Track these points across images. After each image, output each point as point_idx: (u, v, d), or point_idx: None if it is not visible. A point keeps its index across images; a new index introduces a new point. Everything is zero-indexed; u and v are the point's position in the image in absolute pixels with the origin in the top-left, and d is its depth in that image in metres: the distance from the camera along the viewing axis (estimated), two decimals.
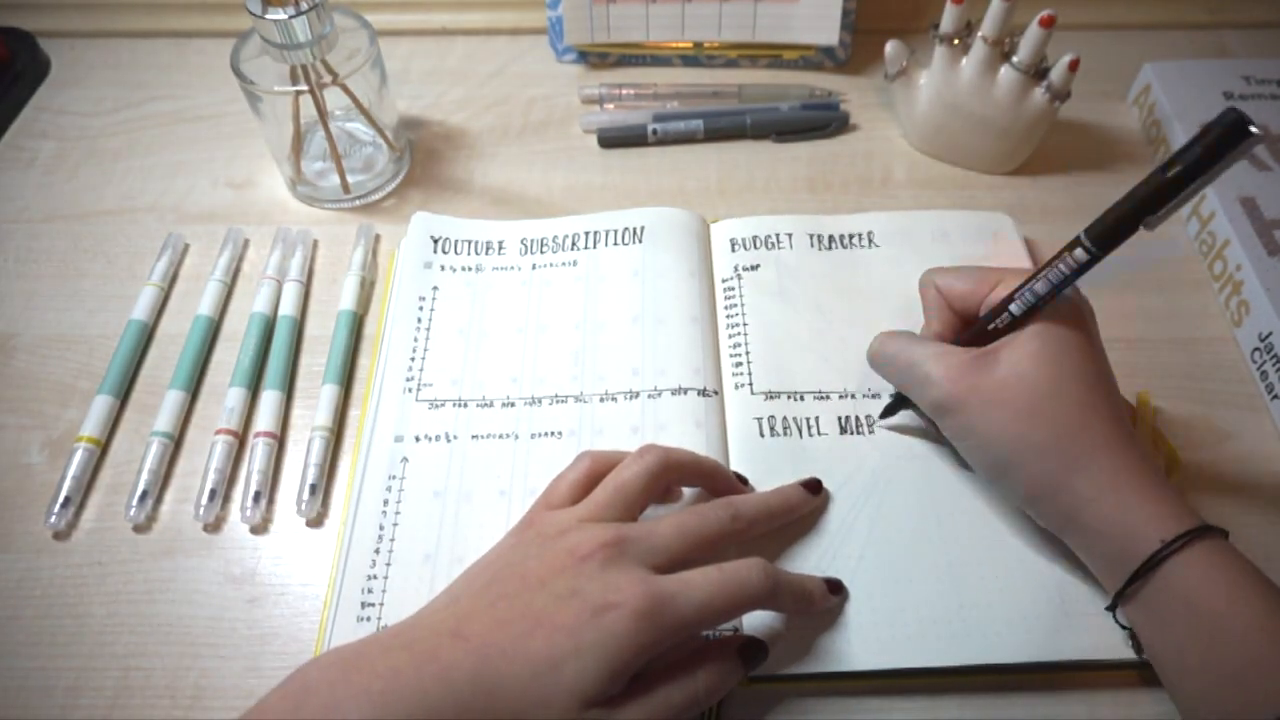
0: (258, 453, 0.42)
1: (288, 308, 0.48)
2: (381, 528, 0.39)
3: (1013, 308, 0.35)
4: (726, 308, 0.46)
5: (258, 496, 0.41)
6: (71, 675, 0.36)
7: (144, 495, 0.41)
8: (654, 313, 0.46)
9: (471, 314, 0.47)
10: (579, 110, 0.60)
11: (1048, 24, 0.48)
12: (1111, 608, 0.34)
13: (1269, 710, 0.28)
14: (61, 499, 0.40)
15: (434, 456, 0.41)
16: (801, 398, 0.43)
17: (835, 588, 0.36)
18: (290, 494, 0.42)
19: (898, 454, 0.41)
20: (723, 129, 0.57)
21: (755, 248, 0.49)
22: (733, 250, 0.49)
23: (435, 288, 0.47)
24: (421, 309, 0.47)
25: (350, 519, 0.39)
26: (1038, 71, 0.50)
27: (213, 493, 0.41)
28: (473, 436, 0.42)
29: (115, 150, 0.57)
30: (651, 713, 0.30)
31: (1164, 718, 0.34)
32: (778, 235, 0.49)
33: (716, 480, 0.38)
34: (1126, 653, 0.35)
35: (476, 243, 0.50)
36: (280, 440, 0.43)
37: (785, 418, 0.42)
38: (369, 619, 0.37)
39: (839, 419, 0.42)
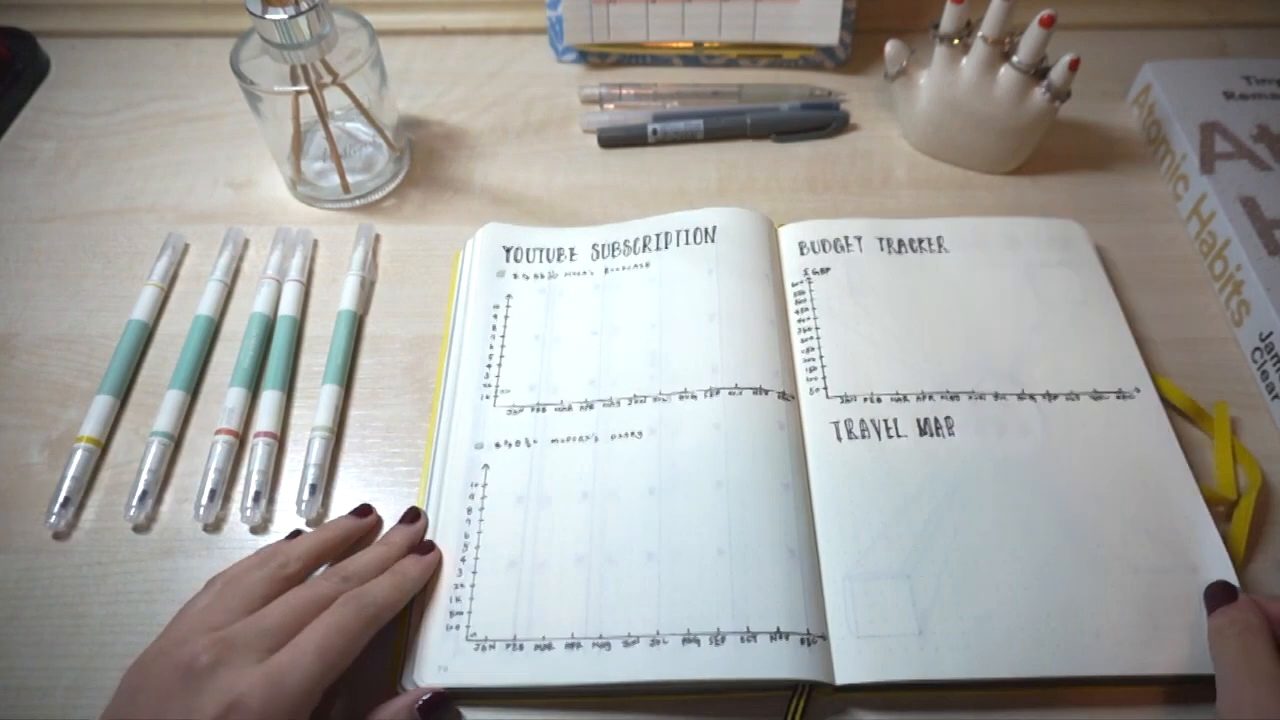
0: (258, 453, 0.42)
1: (288, 308, 0.48)
2: (466, 535, 0.39)
3: None
4: (798, 311, 0.46)
5: (258, 496, 0.41)
6: (71, 675, 0.36)
7: (144, 495, 0.41)
8: (731, 312, 0.45)
9: (546, 320, 0.46)
10: (579, 110, 0.60)
11: (1048, 24, 0.48)
12: None
13: None
14: (61, 499, 0.40)
15: (515, 462, 0.41)
16: (879, 399, 0.42)
17: (426, 548, 0.38)
18: (290, 494, 0.42)
19: (980, 457, 0.40)
20: (723, 129, 0.57)
21: (824, 251, 0.48)
22: (801, 254, 0.48)
23: (509, 295, 0.47)
24: (496, 317, 0.46)
25: (433, 527, 0.39)
26: (1038, 71, 0.50)
27: (213, 493, 0.41)
28: (552, 440, 0.42)
29: (115, 150, 0.57)
30: None
31: None
32: (846, 238, 0.49)
33: (347, 543, 0.39)
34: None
35: (548, 250, 0.49)
36: (280, 440, 0.43)
37: (863, 420, 0.42)
38: (457, 626, 0.36)
39: (918, 421, 0.42)
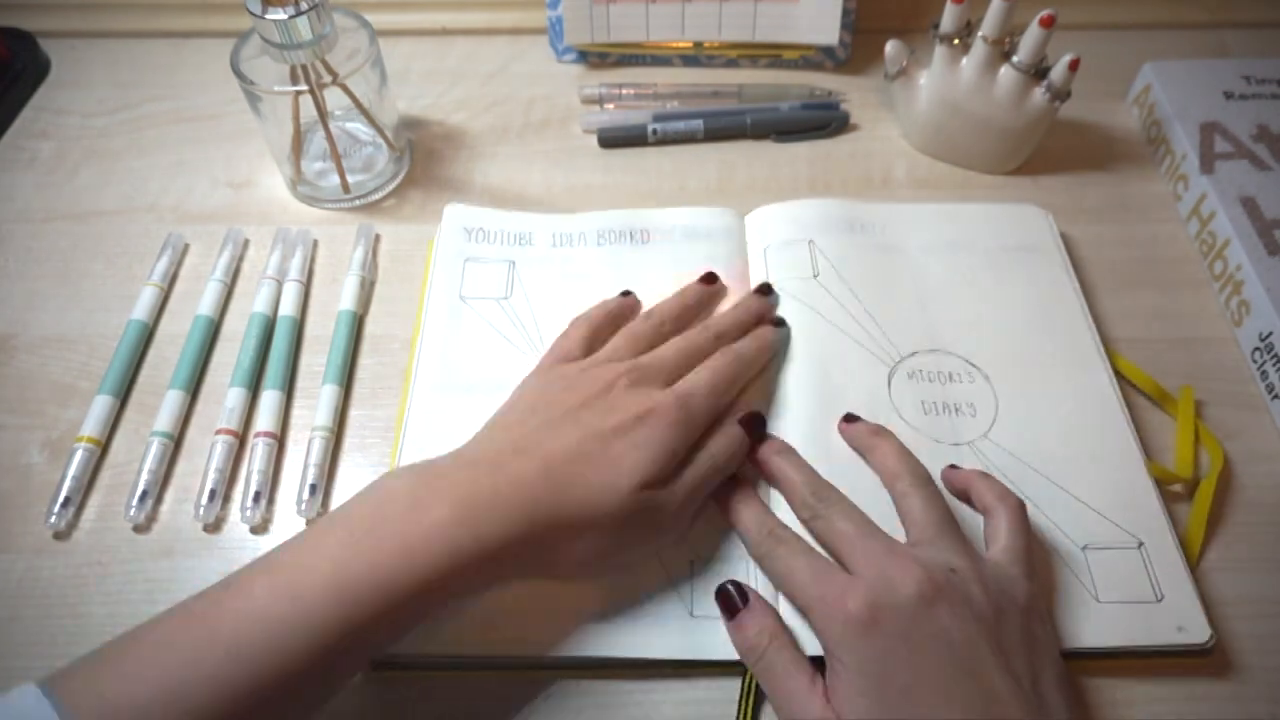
0: (258, 453, 0.42)
1: (288, 308, 0.48)
2: None
3: None
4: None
5: (258, 496, 0.41)
6: None
7: (144, 495, 0.41)
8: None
9: (507, 306, 0.47)
10: (579, 110, 0.60)
11: (1048, 24, 0.48)
12: None
13: None
14: (61, 499, 0.40)
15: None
16: (833, 383, 0.43)
17: (778, 322, 0.44)
18: (290, 494, 0.42)
19: (926, 436, 0.41)
20: (723, 129, 0.57)
21: (786, 233, 0.49)
22: (763, 237, 0.49)
23: (470, 280, 0.48)
24: (463, 301, 0.47)
25: None
26: (1038, 71, 0.50)
27: (213, 493, 0.41)
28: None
29: (115, 150, 0.57)
30: (686, 486, 0.36)
31: None
32: (809, 220, 0.49)
33: (700, 309, 0.45)
34: None
35: (507, 233, 0.50)
36: (280, 440, 0.43)
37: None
38: None
39: (869, 396, 0.42)
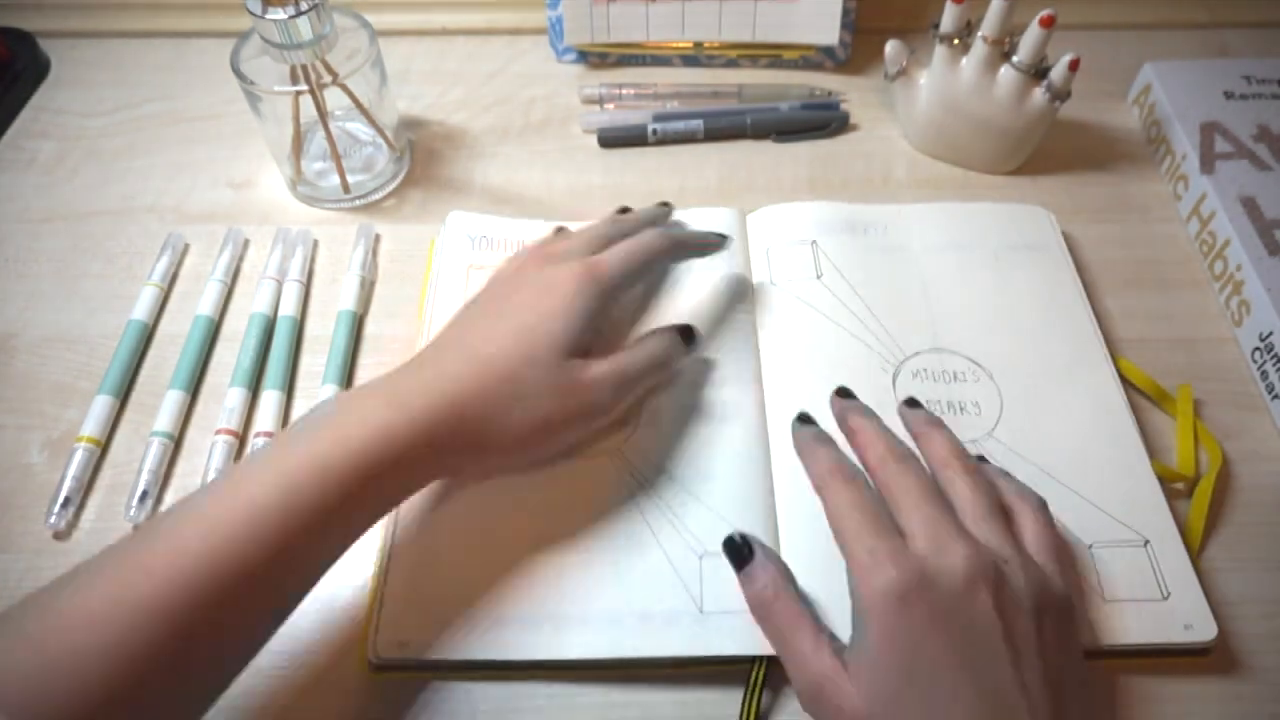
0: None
1: (288, 308, 0.48)
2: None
3: None
4: (763, 295, 0.47)
5: None
6: None
7: (144, 495, 0.41)
8: (700, 307, 0.46)
9: None
10: (579, 110, 0.60)
11: (1048, 24, 0.48)
12: None
13: None
14: (61, 499, 0.40)
15: None
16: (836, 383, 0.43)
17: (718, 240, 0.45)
18: None
19: None
20: (723, 129, 0.57)
21: (789, 234, 0.49)
22: (766, 238, 0.49)
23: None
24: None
25: (397, 520, 0.39)
26: (1038, 71, 0.50)
27: None
28: None
29: (115, 150, 0.57)
30: (614, 367, 0.37)
31: None
32: (812, 221, 0.49)
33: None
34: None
35: (510, 241, 0.50)
36: None
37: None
38: (421, 601, 0.37)
39: (876, 401, 0.42)
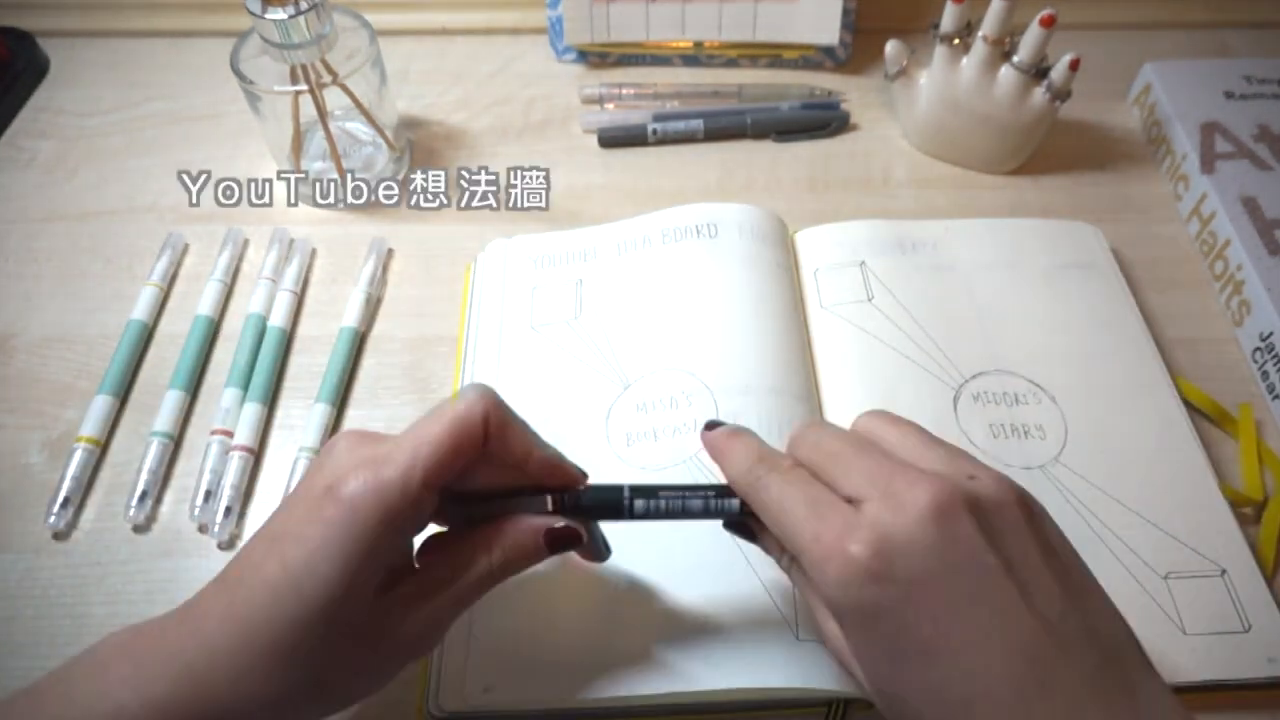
0: (232, 465, 0.41)
1: (278, 318, 0.47)
2: None
3: None
4: (814, 318, 0.46)
5: (229, 511, 0.40)
6: None
7: (144, 495, 0.41)
8: (756, 311, 0.44)
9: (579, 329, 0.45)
10: (579, 110, 0.60)
11: (1048, 24, 0.48)
12: None
13: None
14: (61, 499, 0.40)
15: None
16: (897, 407, 0.40)
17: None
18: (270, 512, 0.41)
19: (998, 462, 0.39)
20: (723, 129, 0.57)
21: (837, 255, 0.48)
22: (814, 259, 0.48)
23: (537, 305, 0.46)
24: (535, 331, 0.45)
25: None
26: (1038, 71, 0.50)
27: (208, 494, 0.40)
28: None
29: (115, 150, 0.57)
30: (438, 588, 0.28)
31: None
32: (859, 242, 0.48)
33: None
34: None
35: (570, 253, 0.48)
36: (258, 455, 0.43)
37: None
38: (493, 647, 0.35)
39: (936, 427, 0.39)
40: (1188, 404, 0.43)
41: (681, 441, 0.40)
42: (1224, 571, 0.36)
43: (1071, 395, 0.42)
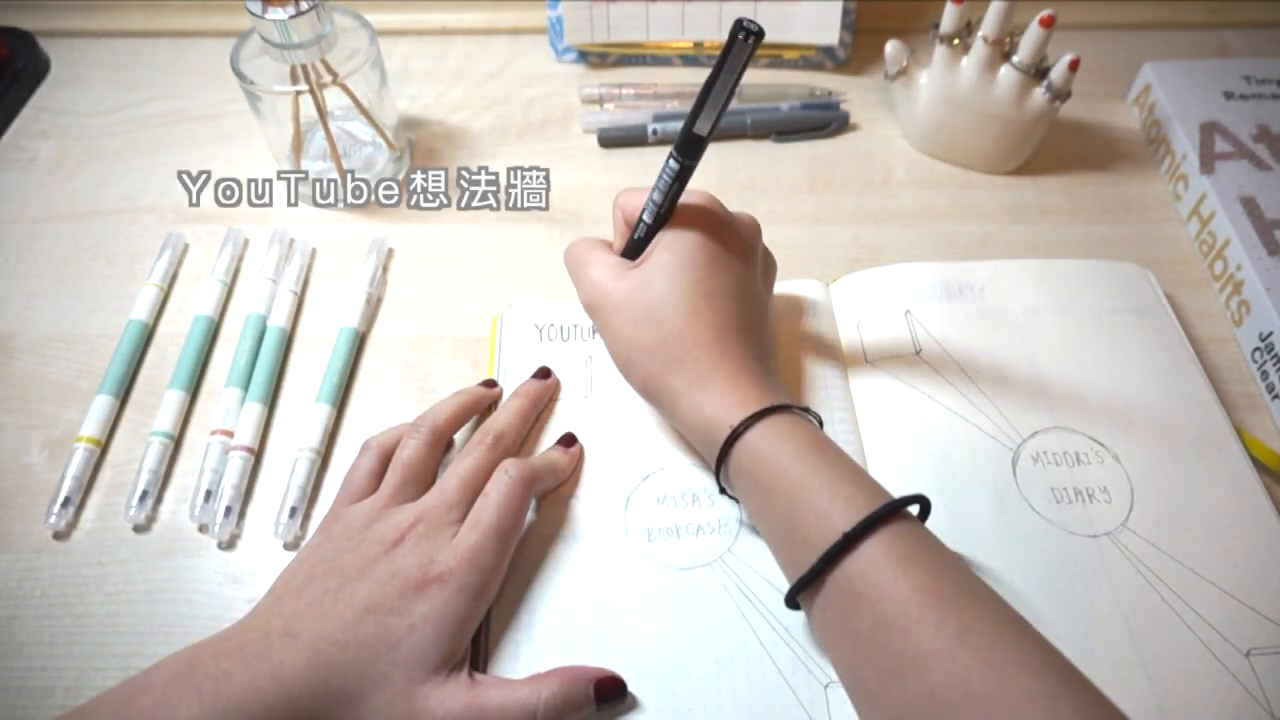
0: (232, 466, 0.41)
1: (279, 318, 0.47)
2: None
3: (644, 215, 0.38)
4: (853, 369, 0.44)
5: (229, 511, 0.40)
6: (71, 675, 0.36)
7: (144, 495, 0.41)
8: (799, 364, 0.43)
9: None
10: (579, 110, 0.60)
11: (1048, 24, 0.48)
12: (720, 490, 0.37)
13: (808, 556, 0.30)
14: (61, 499, 0.40)
15: None
16: (949, 463, 0.40)
17: (568, 441, 0.41)
18: (268, 512, 0.41)
19: (1060, 527, 0.38)
20: (723, 129, 0.57)
21: (877, 302, 0.46)
22: (853, 307, 0.46)
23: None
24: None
25: None
26: (1038, 71, 0.50)
27: (209, 494, 0.41)
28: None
29: (115, 150, 0.57)
30: (482, 706, 0.31)
31: None
32: (900, 288, 0.46)
33: (478, 408, 0.42)
34: None
35: (575, 327, 0.46)
36: (258, 455, 0.43)
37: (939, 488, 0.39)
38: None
39: (994, 488, 0.39)
40: (1254, 460, 0.40)
41: (706, 542, 0.38)
42: None
43: (1135, 453, 0.40)
